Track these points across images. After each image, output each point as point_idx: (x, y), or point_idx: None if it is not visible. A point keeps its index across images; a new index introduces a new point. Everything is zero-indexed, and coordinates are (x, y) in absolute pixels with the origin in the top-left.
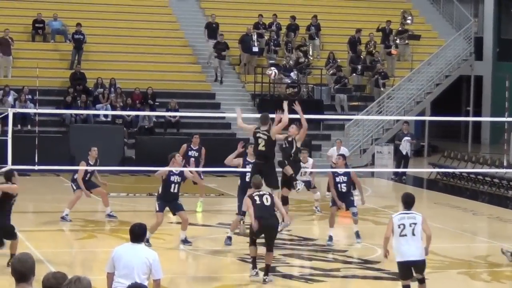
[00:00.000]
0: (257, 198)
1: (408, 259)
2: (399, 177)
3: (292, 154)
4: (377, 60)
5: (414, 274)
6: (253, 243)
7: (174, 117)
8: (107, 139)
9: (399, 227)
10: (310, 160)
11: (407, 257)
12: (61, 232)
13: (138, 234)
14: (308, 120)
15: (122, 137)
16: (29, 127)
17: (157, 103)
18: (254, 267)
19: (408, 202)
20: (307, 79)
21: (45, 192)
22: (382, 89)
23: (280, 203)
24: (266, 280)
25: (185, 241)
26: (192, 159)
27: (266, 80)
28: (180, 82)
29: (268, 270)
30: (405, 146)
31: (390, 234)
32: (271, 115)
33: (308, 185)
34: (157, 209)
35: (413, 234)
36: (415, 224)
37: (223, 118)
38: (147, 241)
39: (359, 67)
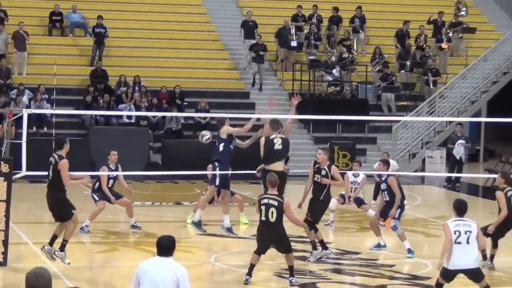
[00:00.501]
0: (263, 207)
1: (460, 268)
2: (452, 184)
3: (324, 192)
4: (428, 56)
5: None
6: (259, 252)
7: (204, 118)
8: (131, 142)
9: (454, 233)
10: (362, 175)
11: (459, 266)
12: (80, 244)
13: (166, 247)
14: (352, 122)
15: (147, 141)
16: (45, 129)
17: (186, 103)
18: (249, 273)
19: (461, 209)
20: (351, 76)
21: None
22: (433, 87)
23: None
24: (292, 281)
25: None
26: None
27: (305, 78)
28: (211, 80)
29: (292, 271)
30: (459, 150)
31: (450, 243)
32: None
33: (360, 202)
34: None
35: (468, 242)
36: (470, 232)
37: (259, 119)
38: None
39: (408, 63)
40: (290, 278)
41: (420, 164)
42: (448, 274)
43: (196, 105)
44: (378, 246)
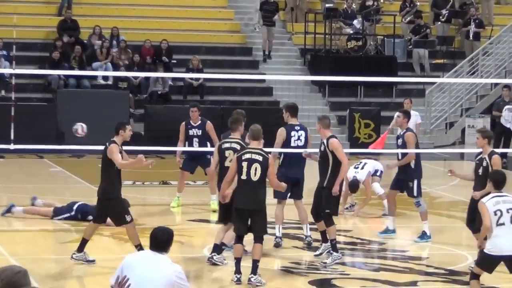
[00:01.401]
0: (244, 164)
1: (506, 254)
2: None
3: (327, 175)
4: (470, 3)
5: None
6: (239, 239)
7: (197, 79)
8: (107, 109)
9: (495, 214)
10: (366, 170)
11: (505, 251)
12: (46, 233)
13: (161, 241)
14: (376, 84)
15: (127, 107)
16: (3, 93)
17: (174, 61)
18: (238, 271)
19: (499, 180)
20: (376, 28)
21: (23, 180)
22: (476, 42)
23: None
24: (252, 280)
25: None
26: (196, 139)
27: (320, 30)
28: (205, 33)
29: (256, 267)
30: (507, 118)
31: (490, 223)
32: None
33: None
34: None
35: (511, 223)
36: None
37: (263, 81)
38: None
39: (445, 12)
40: (250, 276)
41: (459, 135)
42: (489, 261)
43: (186, 63)
44: (386, 232)
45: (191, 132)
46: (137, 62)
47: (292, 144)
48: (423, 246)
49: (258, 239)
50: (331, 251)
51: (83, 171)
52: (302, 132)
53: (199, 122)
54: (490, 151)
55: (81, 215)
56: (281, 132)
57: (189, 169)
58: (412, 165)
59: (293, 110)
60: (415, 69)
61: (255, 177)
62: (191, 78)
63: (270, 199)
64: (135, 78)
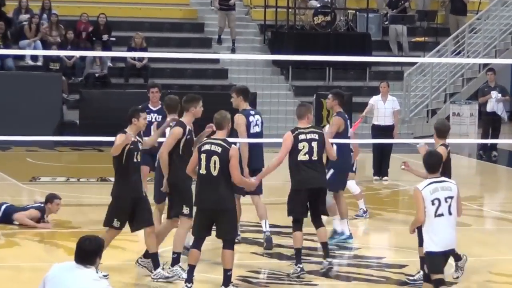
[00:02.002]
0: (203, 156)
1: (447, 249)
2: (487, 153)
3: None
4: None
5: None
6: (196, 242)
7: (140, 60)
8: (37, 94)
9: (432, 204)
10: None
11: (446, 246)
12: None
13: (87, 252)
14: (347, 65)
15: (59, 91)
16: None
17: (114, 38)
18: (189, 280)
19: (434, 163)
20: (347, 1)
21: None
22: (461, 17)
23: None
24: None
25: None
26: (154, 127)
27: (282, 4)
28: (149, 6)
29: (227, 278)
30: (494, 106)
31: (423, 215)
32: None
33: None
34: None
35: (450, 213)
36: (451, 198)
37: (217, 61)
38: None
39: None
40: None
41: None
42: (436, 260)
43: (128, 41)
44: (333, 236)
45: (148, 118)
46: (71, 40)
47: (251, 130)
48: (402, 253)
49: (226, 244)
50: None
51: (9, 166)
52: (258, 117)
53: (160, 106)
54: (440, 144)
55: (5, 218)
56: (241, 119)
57: (147, 163)
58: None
59: (245, 93)
60: (391, 48)
61: (214, 172)
62: (133, 58)
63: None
64: (69, 58)
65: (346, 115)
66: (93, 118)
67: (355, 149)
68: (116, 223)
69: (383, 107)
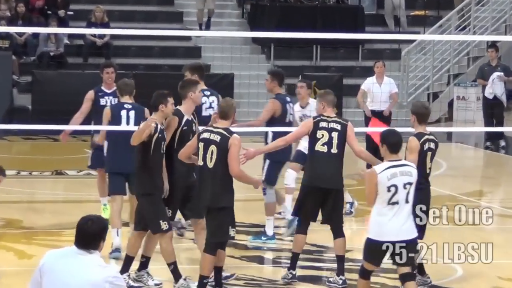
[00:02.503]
0: (201, 145)
1: (392, 240)
2: (495, 143)
3: None
4: None
5: (398, 264)
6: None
7: (101, 36)
8: None
9: (388, 190)
10: (312, 103)
11: (391, 236)
12: None
13: (91, 235)
14: (337, 43)
15: (9, 73)
16: None
17: (71, 13)
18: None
19: (395, 143)
20: None
21: None
22: None
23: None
24: None
25: None
26: (107, 109)
27: None
28: None
29: (202, 285)
30: (495, 89)
31: (374, 199)
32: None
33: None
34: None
35: (407, 201)
36: (410, 184)
37: (188, 38)
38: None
39: None
40: None
41: (446, 109)
42: (373, 249)
43: (87, 15)
44: (262, 236)
45: (102, 102)
46: (22, 14)
47: (204, 113)
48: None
49: (207, 248)
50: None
51: None
52: (213, 98)
53: (115, 88)
54: (417, 132)
55: None
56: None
57: (102, 165)
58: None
59: (201, 71)
60: (387, 23)
61: (210, 163)
62: (94, 35)
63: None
64: (20, 35)
65: (287, 98)
66: (48, 103)
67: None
68: (164, 225)
69: (378, 91)
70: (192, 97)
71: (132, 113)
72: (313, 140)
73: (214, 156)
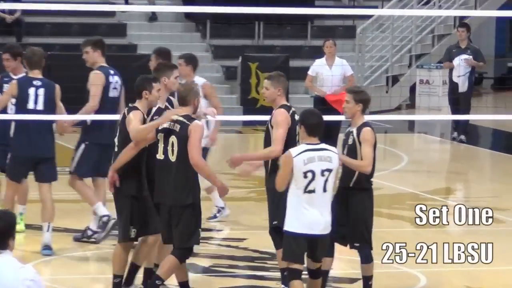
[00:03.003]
0: (160, 137)
1: (313, 232)
2: (460, 131)
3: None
4: None
5: (307, 260)
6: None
7: (12, 12)
8: None
9: (305, 177)
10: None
11: (312, 228)
12: None
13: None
14: (284, 19)
15: None
16: None
17: None
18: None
19: (315, 124)
20: None
21: None
22: None
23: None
24: None
25: None
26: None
27: None
28: None
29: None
30: (461, 73)
31: (284, 184)
32: None
33: None
34: None
35: (325, 190)
36: (329, 171)
37: (112, 14)
38: None
39: None
40: None
41: (407, 95)
42: (294, 243)
43: None
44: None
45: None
46: None
47: (110, 94)
48: (354, 263)
49: (176, 252)
50: None
51: None
52: (117, 78)
53: (24, 73)
54: (362, 122)
55: None
56: (99, 77)
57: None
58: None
59: (102, 46)
60: None
61: (172, 157)
62: (2, 11)
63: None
64: None
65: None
66: None
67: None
68: (133, 231)
69: (329, 74)
70: (166, 83)
71: (41, 91)
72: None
73: (176, 148)
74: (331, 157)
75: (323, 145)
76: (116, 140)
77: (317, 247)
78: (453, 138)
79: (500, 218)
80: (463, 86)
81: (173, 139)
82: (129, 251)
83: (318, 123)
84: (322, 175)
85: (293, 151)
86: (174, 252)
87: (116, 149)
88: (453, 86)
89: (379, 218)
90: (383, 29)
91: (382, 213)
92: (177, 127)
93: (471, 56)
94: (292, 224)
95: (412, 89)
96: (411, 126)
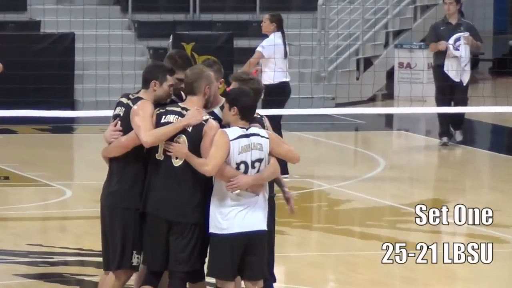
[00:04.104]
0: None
1: (245, 230)
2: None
3: None
4: None
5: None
6: (151, 278)
7: None
8: None
9: (237, 168)
10: None
11: (244, 226)
12: None
13: None
14: None
15: None
16: None
17: None
18: None
19: (249, 107)
20: None
21: None
22: None
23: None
24: None
25: None
26: None
27: None
28: None
29: None
30: (455, 55)
31: (215, 169)
32: None
33: None
34: None
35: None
36: (260, 161)
37: (22, 4)
38: None
39: None
40: None
41: (384, 82)
42: (227, 249)
43: None
44: None
45: None
46: None
47: None
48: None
49: (173, 281)
50: None
51: None
52: None
53: None
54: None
55: None
56: None
57: None
58: None
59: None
60: None
61: (177, 160)
62: None
63: None
64: None
65: None
66: None
67: None
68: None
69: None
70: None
71: None
72: None
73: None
74: (261, 143)
75: (254, 130)
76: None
77: (250, 247)
78: (444, 143)
79: (503, 237)
80: (460, 76)
81: (181, 138)
82: (125, 283)
83: (254, 106)
84: (253, 167)
85: (229, 132)
86: (171, 281)
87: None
88: (442, 72)
89: (348, 238)
90: None
91: (353, 232)
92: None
93: (467, 33)
94: (220, 225)
95: (390, 74)
96: (388, 121)
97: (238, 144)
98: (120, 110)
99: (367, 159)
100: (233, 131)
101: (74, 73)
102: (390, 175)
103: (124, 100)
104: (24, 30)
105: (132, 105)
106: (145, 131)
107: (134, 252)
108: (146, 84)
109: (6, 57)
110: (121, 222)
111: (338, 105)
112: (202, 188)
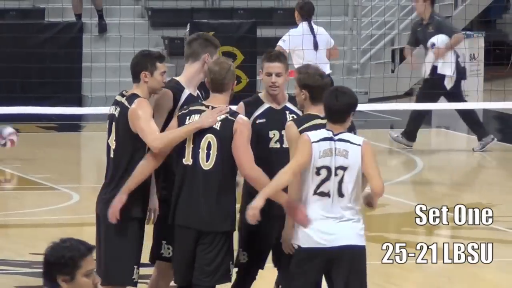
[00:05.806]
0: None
1: (326, 246)
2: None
3: None
4: None
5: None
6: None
7: None
8: None
9: (317, 174)
10: None
11: (325, 240)
12: None
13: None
14: None
15: None
16: None
17: None
18: None
19: (334, 109)
20: None
21: None
22: None
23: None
24: None
25: None
26: None
27: None
28: None
29: None
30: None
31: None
32: None
33: None
34: None
35: (341, 194)
36: (344, 169)
37: None
38: None
39: None
40: None
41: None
42: (303, 263)
43: None
44: None
45: None
46: None
47: None
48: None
49: None
50: None
51: None
52: None
53: None
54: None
55: None
56: None
57: None
58: None
59: None
60: None
61: (206, 163)
62: None
63: None
64: None
65: None
66: None
67: None
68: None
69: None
70: (207, 61)
71: None
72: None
73: (214, 152)
74: (347, 150)
75: (345, 135)
76: (111, 142)
77: (339, 263)
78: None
79: (503, 237)
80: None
81: (209, 139)
82: None
83: (345, 106)
84: (336, 174)
85: (311, 135)
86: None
87: (112, 155)
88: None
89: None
90: None
91: (389, 238)
92: (217, 124)
93: (437, 41)
94: (299, 236)
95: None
96: (427, 118)
97: (319, 146)
98: (115, 110)
99: (403, 160)
100: (316, 133)
101: (82, 65)
102: (428, 177)
103: (119, 98)
104: (26, 19)
105: (127, 105)
106: (151, 134)
107: (135, 267)
108: (135, 77)
109: (7, 48)
110: (115, 230)
111: (372, 100)
112: (234, 194)
